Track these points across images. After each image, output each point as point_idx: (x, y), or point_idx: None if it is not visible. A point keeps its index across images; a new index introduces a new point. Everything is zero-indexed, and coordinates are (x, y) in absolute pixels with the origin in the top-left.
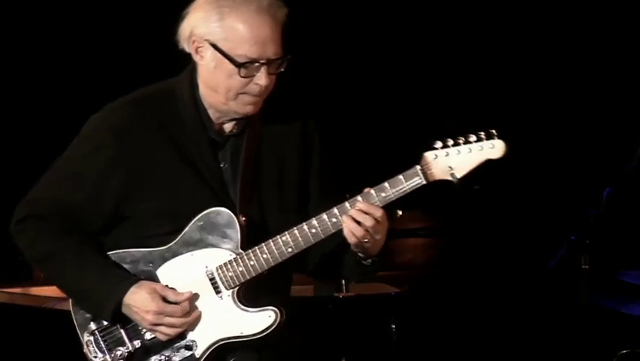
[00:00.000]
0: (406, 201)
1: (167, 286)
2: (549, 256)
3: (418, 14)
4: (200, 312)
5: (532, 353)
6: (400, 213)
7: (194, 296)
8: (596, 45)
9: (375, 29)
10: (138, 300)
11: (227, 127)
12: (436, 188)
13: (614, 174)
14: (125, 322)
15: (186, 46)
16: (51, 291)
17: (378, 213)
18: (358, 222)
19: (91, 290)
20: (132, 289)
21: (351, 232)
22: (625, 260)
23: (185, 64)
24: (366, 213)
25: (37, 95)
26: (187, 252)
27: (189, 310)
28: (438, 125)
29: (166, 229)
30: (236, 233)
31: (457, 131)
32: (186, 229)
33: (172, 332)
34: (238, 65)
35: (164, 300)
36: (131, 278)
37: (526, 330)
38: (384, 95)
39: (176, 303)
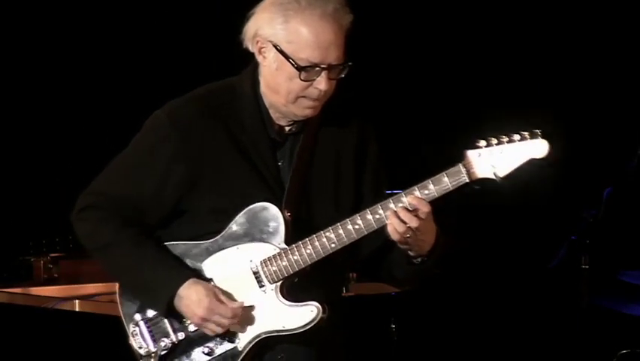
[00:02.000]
0: None
1: (212, 278)
2: (550, 256)
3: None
4: (245, 308)
5: (533, 353)
6: None
7: (240, 292)
8: (596, 45)
9: (416, 31)
10: (193, 293)
11: (287, 127)
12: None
13: (614, 174)
14: (171, 314)
15: (250, 45)
16: (51, 291)
17: (426, 208)
18: (402, 219)
19: (147, 280)
20: (189, 282)
21: (394, 228)
22: (625, 260)
23: (214, 66)
24: (411, 209)
25: (57, 94)
26: (232, 245)
27: (239, 315)
28: (436, 123)
29: (222, 225)
30: (281, 228)
31: (498, 130)
32: (232, 222)
33: (218, 330)
34: (299, 69)
35: (218, 300)
36: (187, 272)
37: (526, 330)
38: (419, 96)
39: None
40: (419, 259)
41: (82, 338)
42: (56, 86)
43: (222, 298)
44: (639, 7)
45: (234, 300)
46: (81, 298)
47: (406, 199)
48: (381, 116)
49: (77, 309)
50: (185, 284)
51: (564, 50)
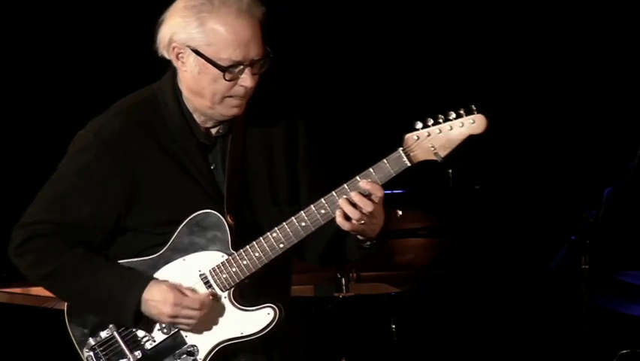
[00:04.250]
0: (406, 201)
1: None
2: (550, 256)
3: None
4: (200, 318)
5: (533, 353)
6: (400, 213)
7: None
8: (596, 44)
9: (358, 22)
10: (157, 293)
11: (214, 129)
12: (436, 187)
13: (614, 174)
14: (125, 333)
15: (166, 53)
16: None
17: (380, 193)
18: (355, 205)
19: (108, 294)
20: (150, 285)
21: (346, 216)
22: (625, 260)
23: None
24: (365, 194)
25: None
26: (179, 257)
27: (206, 305)
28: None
29: (166, 238)
30: (225, 234)
31: (437, 110)
32: (175, 234)
33: (190, 323)
34: (223, 70)
35: (183, 294)
36: (147, 276)
37: (526, 330)
38: (363, 84)
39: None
40: (369, 243)
41: None
42: (56, 87)
43: (186, 291)
44: (639, 7)
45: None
46: None
47: (361, 184)
48: (322, 107)
49: None
50: (149, 286)
51: (562, 48)
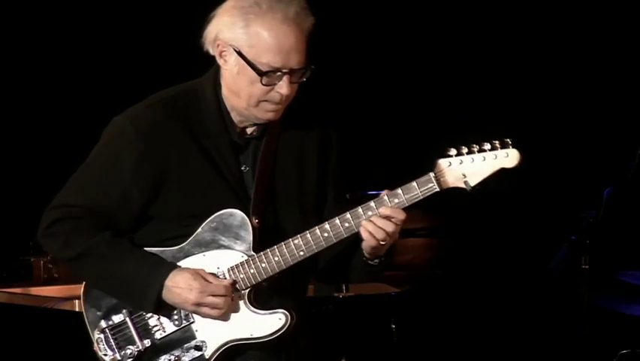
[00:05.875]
0: None
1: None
2: (550, 256)
3: (429, 21)
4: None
5: (533, 353)
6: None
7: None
8: (596, 45)
9: (390, 34)
10: (181, 280)
11: (249, 130)
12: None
13: (614, 174)
14: (137, 319)
15: (211, 49)
16: (51, 291)
17: (402, 216)
18: (379, 226)
19: (131, 279)
20: (173, 272)
21: (371, 234)
22: (625, 260)
23: (200, 66)
24: (389, 217)
25: (41, 97)
26: (199, 252)
27: (230, 293)
28: (442, 125)
29: (188, 231)
30: (248, 235)
31: (470, 138)
32: (199, 229)
33: (215, 313)
34: (260, 74)
35: (207, 281)
36: (170, 263)
37: (526, 330)
38: (398, 101)
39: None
40: (376, 261)
41: (82, 338)
42: (56, 86)
43: (210, 278)
44: (638, 7)
45: (224, 280)
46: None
47: (381, 210)
48: (360, 117)
49: (77, 309)
50: (172, 274)
51: (563, 50)
